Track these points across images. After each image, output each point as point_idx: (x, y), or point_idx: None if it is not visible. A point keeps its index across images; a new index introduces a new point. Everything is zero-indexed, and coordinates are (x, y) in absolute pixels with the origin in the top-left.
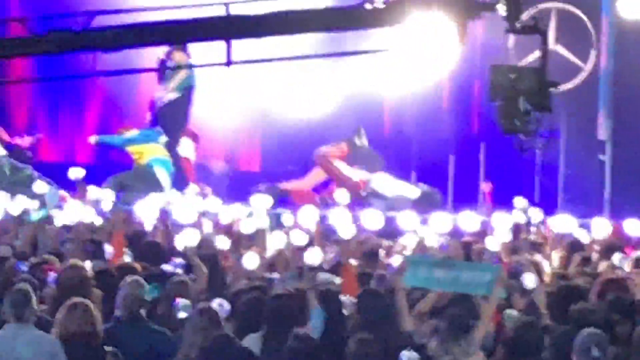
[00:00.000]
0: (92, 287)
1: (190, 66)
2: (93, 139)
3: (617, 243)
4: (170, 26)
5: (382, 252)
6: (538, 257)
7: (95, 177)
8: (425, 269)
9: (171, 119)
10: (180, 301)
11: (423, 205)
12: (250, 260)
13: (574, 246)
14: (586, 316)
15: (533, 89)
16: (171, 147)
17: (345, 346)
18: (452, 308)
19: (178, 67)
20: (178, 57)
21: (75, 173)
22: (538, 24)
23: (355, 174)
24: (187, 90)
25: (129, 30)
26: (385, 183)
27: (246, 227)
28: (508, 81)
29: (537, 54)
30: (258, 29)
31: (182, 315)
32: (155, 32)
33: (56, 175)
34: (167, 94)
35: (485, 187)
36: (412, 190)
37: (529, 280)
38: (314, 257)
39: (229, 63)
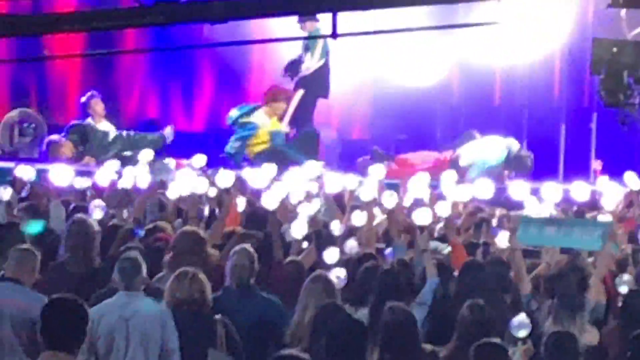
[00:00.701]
0: (207, 250)
1: (294, 38)
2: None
3: None
4: None
5: (494, 221)
6: None
7: (207, 147)
8: (537, 226)
9: (318, 86)
10: None
11: (514, 168)
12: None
13: None
14: None
15: (636, 63)
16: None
17: (457, 313)
18: (564, 284)
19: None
20: (309, 26)
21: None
22: None
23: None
24: (327, 56)
25: (235, 3)
26: (472, 153)
27: (362, 196)
28: (610, 55)
29: None
30: (366, 1)
31: None
32: (261, 4)
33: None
34: (314, 62)
35: (596, 164)
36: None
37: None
38: (424, 217)
39: (334, 35)
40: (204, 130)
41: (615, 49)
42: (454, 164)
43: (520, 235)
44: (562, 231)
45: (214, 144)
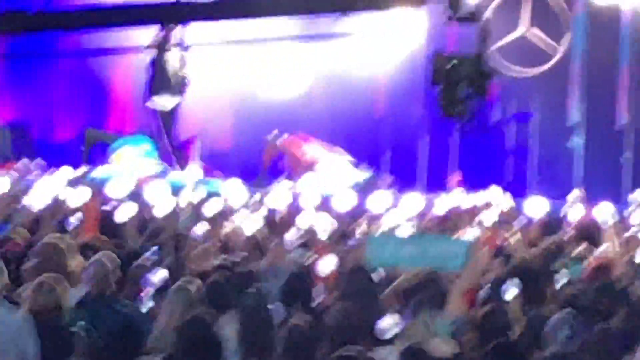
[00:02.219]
0: (72, 258)
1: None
2: None
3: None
4: (122, 9)
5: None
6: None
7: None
8: (392, 247)
9: None
10: (149, 286)
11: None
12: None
13: (548, 228)
14: (570, 299)
15: (473, 75)
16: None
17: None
18: (421, 290)
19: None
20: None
21: None
22: (478, 14)
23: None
24: None
25: (84, 12)
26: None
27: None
28: (449, 68)
29: (511, 36)
30: (215, 12)
31: (148, 304)
32: (106, 15)
33: None
34: None
35: (454, 177)
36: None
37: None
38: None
39: (181, 45)
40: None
41: (453, 62)
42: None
43: (372, 258)
44: (420, 250)
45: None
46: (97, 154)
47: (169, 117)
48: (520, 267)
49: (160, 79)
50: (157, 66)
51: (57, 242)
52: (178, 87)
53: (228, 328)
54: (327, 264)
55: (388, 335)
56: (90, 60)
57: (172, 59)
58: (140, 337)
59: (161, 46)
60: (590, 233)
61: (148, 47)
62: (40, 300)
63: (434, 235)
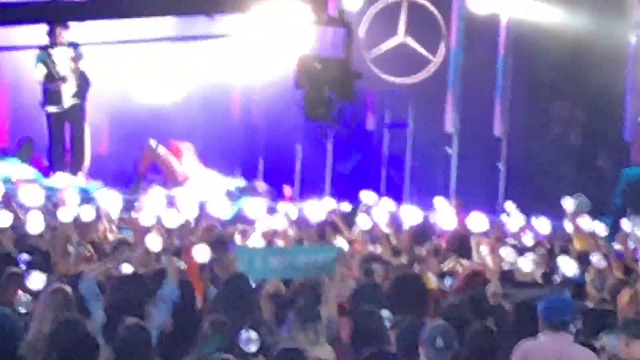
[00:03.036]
0: None
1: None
2: None
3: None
4: None
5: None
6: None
7: None
8: (260, 259)
9: None
10: (22, 295)
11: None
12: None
13: (420, 237)
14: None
15: (337, 78)
16: None
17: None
18: (300, 297)
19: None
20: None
21: None
22: (344, 17)
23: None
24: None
25: None
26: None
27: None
28: (314, 70)
29: (386, 45)
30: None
31: (22, 310)
32: None
33: None
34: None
35: (287, 191)
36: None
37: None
38: (155, 243)
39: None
40: None
41: (318, 65)
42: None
43: (245, 270)
44: (288, 261)
45: None
46: None
47: (62, 121)
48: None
49: (53, 79)
50: (48, 66)
51: None
52: (77, 88)
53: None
54: (202, 252)
55: (251, 349)
56: None
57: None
58: (12, 342)
59: (51, 45)
60: (461, 243)
61: (40, 47)
62: None
63: (300, 246)
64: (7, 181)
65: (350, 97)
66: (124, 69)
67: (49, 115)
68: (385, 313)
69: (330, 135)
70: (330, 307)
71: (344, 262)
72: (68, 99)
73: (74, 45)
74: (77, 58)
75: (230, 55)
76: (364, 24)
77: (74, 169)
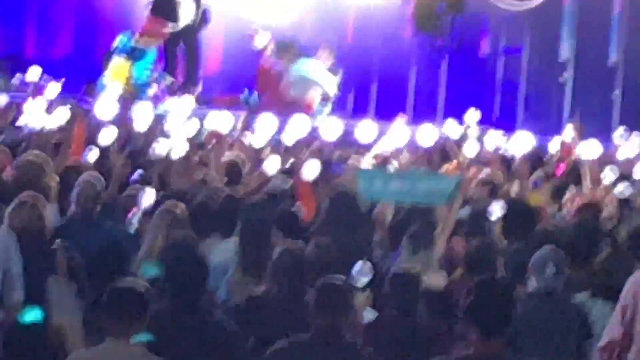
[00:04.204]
0: (50, 181)
1: None
2: None
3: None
4: None
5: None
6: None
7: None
8: (380, 181)
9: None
10: (133, 214)
11: None
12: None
13: (534, 162)
14: (548, 237)
15: None
16: None
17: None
18: (413, 223)
19: None
20: None
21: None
22: None
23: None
24: None
25: None
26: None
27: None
28: None
29: None
30: None
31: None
32: None
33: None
34: None
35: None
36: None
37: (497, 209)
38: (272, 165)
39: None
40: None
41: None
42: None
43: (363, 191)
44: (408, 185)
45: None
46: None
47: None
48: (508, 200)
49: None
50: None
51: (34, 159)
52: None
53: (214, 251)
54: (311, 169)
55: (359, 284)
56: None
57: None
58: (125, 258)
59: None
60: (576, 171)
61: None
62: (22, 218)
63: (421, 171)
64: None
65: (459, 9)
66: None
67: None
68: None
69: (442, 51)
70: (446, 235)
71: (464, 191)
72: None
73: None
74: None
75: None
76: None
77: (185, 90)
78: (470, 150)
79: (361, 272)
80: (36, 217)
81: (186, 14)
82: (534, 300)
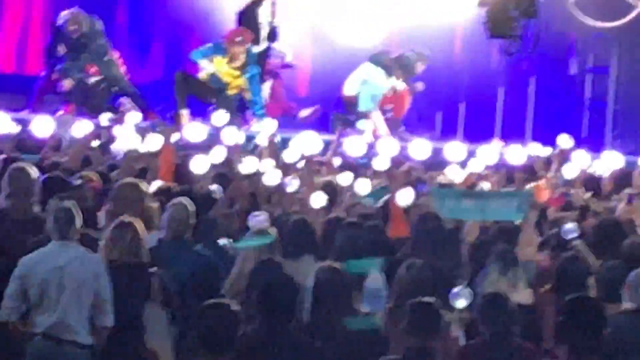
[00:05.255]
0: (149, 203)
1: None
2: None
3: None
4: None
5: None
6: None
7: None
8: (453, 200)
9: None
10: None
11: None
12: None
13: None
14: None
15: None
16: None
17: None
18: (499, 243)
19: None
20: None
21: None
22: None
23: None
24: None
25: None
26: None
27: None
28: None
29: None
30: None
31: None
32: None
33: None
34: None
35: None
36: None
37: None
38: (363, 187)
39: None
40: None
41: None
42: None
43: (437, 210)
44: (480, 204)
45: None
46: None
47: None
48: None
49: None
50: (247, 17)
51: (135, 183)
52: (269, 36)
53: (302, 273)
54: (406, 196)
55: (458, 305)
56: None
57: (264, 12)
58: (217, 280)
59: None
60: None
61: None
62: (119, 242)
63: (495, 191)
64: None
65: (533, 14)
66: (325, 6)
67: None
68: None
69: (512, 52)
70: (528, 251)
71: (537, 206)
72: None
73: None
74: (274, 10)
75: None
76: None
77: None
78: (569, 171)
79: (460, 295)
80: (135, 241)
81: (264, 38)
82: (628, 318)
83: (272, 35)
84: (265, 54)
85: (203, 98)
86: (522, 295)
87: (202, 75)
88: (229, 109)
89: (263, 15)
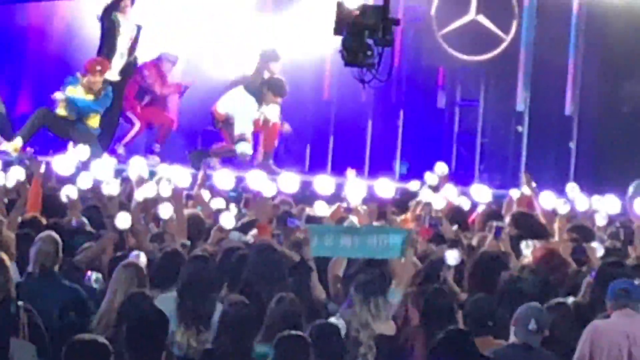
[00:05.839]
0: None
1: None
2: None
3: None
4: None
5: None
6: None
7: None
8: (331, 237)
9: None
10: (93, 274)
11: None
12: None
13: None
14: (515, 286)
15: (376, 24)
16: None
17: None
18: (363, 274)
19: None
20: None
21: None
22: None
23: None
24: None
25: None
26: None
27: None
28: (352, 16)
29: (458, 22)
30: None
31: (95, 286)
32: None
33: None
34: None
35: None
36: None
37: (451, 256)
38: (228, 220)
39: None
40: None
41: (357, 11)
42: None
43: (314, 248)
44: (359, 241)
45: None
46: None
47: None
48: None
49: (110, 46)
50: (107, 32)
51: None
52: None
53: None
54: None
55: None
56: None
57: (126, 30)
58: (83, 316)
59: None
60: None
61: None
62: None
63: (371, 226)
64: None
65: (388, 43)
66: (194, 41)
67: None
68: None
69: (366, 81)
70: (402, 287)
71: (414, 243)
72: (114, 75)
73: (139, 27)
74: (136, 38)
75: (301, 29)
76: (436, 1)
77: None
78: (439, 202)
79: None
80: (2, 275)
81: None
82: (514, 352)
83: (128, 70)
84: (122, 83)
85: (61, 134)
86: (385, 327)
87: (60, 109)
88: (88, 141)
89: (122, 46)
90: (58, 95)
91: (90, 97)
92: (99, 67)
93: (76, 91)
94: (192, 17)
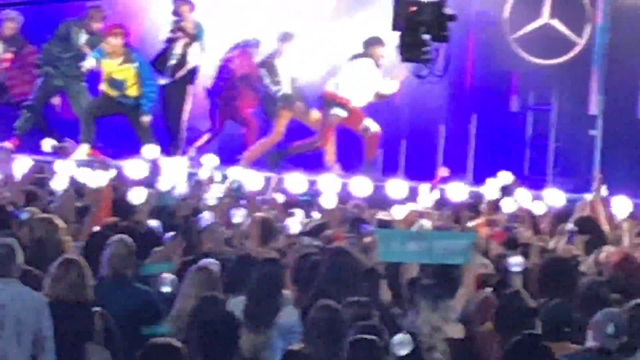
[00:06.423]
0: (65, 243)
1: None
2: None
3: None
4: None
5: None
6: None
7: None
8: (398, 242)
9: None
10: (166, 276)
11: None
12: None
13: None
14: (596, 291)
15: (432, 21)
16: None
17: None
18: (425, 278)
19: None
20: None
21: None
22: None
23: None
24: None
25: None
26: None
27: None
28: (409, 12)
29: (531, 26)
30: None
31: (166, 289)
32: None
33: None
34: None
35: (442, 171)
36: None
37: (515, 262)
38: (294, 225)
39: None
40: None
41: (413, 8)
42: None
43: (380, 252)
44: (425, 246)
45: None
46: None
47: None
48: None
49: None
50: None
51: (49, 218)
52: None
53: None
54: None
55: (402, 353)
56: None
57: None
58: (156, 320)
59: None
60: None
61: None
62: (64, 280)
63: (439, 231)
64: None
65: (444, 39)
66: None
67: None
68: None
69: (423, 76)
70: (468, 291)
71: (481, 247)
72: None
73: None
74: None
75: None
76: (508, 4)
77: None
78: (507, 206)
79: (401, 343)
80: (80, 279)
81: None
82: (592, 357)
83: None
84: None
85: (110, 113)
86: (455, 329)
87: (103, 84)
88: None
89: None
90: (88, 63)
91: (117, 60)
92: (116, 30)
93: (103, 62)
94: (268, 20)
